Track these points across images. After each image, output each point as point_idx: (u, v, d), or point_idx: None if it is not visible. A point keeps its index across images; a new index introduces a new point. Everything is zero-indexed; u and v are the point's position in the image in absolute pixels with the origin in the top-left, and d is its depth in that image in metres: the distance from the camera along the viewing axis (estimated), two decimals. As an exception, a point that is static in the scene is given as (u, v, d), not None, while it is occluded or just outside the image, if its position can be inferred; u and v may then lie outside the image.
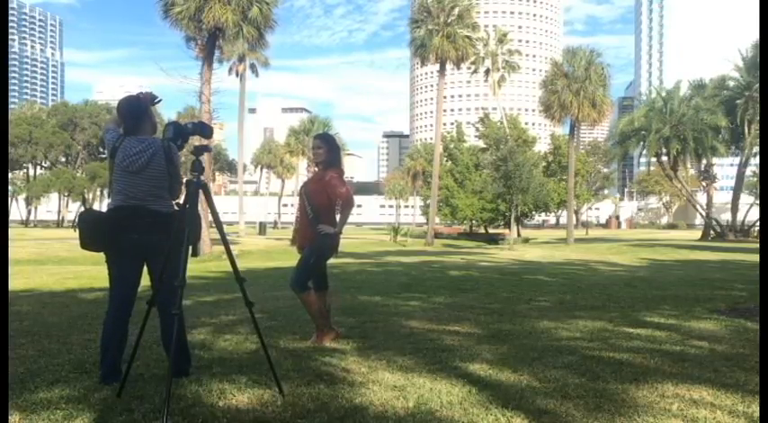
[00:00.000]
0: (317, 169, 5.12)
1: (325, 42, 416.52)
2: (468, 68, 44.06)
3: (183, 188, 3.59)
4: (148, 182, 3.59)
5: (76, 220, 3.73)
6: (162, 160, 3.61)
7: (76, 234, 3.67)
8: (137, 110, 3.71)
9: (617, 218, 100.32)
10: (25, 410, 3.09)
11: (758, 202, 44.80)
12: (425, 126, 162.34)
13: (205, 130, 3.77)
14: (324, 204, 4.88)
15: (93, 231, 3.60)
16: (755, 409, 3.17)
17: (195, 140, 5.73)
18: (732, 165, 49.62)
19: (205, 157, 7.85)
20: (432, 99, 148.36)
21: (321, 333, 4.89)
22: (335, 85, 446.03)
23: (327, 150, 4.94)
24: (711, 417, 3.10)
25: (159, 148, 3.61)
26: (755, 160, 44.68)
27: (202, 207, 4.45)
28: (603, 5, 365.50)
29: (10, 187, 67.90)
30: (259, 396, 3.36)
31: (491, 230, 47.36)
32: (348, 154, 79.93)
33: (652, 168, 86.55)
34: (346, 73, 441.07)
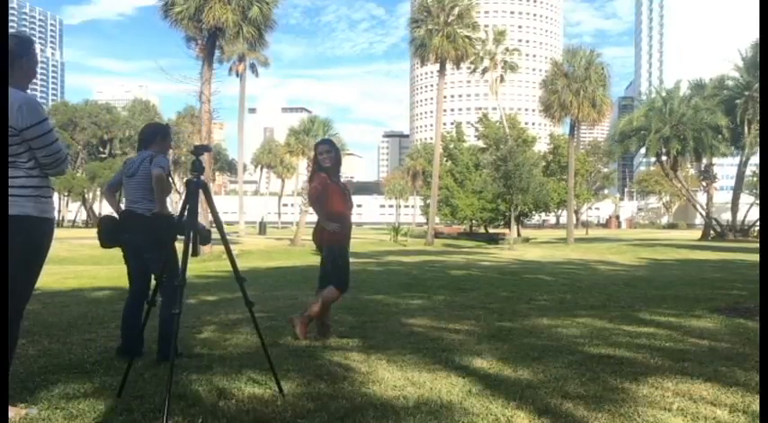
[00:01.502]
0: (324, 174, 5.15)
1: (346, 53, 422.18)
2: (468, 68, 44.03)
3: (183, 188, 3.68)
4: (135, 187, 4.22)
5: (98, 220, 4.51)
6: (147, 166, 4.16)
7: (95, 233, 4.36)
8: (152, 136, 4.36)
9: (617, 218, 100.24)
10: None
11: (758, 201, 44.75)
12: (425, 126, 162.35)
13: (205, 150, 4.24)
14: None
15: (107, 231, 4.28)
16: (755, 408, 3.16)
17: (195, 140, 5.87)
18: (732, 165, 49.56)
19: (205, 157, 7.86)
20: (432, 99, 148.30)
21: (304, 320, 4.98)
22: (354, 91, 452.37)
23: (335, 155, 5.07)
24: (711, 415, 3.10)
25: (147, 157, 4.23)
26: (755, 160, 44.67)
27: (202, 207, 4.55)
28: (611, 20, 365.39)
29: (10, 187, 67.72)
30: (259, 396, 3.36)
31: (491, 230, 47.37)
32: (348, 154, 79.98)
33: (652, 168, 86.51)
34: (365, 81, 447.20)
